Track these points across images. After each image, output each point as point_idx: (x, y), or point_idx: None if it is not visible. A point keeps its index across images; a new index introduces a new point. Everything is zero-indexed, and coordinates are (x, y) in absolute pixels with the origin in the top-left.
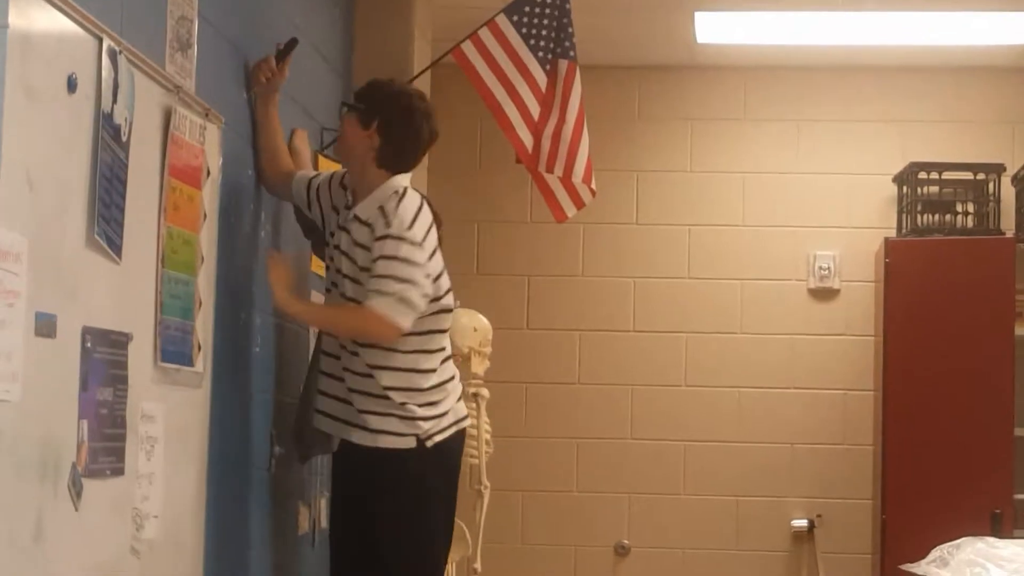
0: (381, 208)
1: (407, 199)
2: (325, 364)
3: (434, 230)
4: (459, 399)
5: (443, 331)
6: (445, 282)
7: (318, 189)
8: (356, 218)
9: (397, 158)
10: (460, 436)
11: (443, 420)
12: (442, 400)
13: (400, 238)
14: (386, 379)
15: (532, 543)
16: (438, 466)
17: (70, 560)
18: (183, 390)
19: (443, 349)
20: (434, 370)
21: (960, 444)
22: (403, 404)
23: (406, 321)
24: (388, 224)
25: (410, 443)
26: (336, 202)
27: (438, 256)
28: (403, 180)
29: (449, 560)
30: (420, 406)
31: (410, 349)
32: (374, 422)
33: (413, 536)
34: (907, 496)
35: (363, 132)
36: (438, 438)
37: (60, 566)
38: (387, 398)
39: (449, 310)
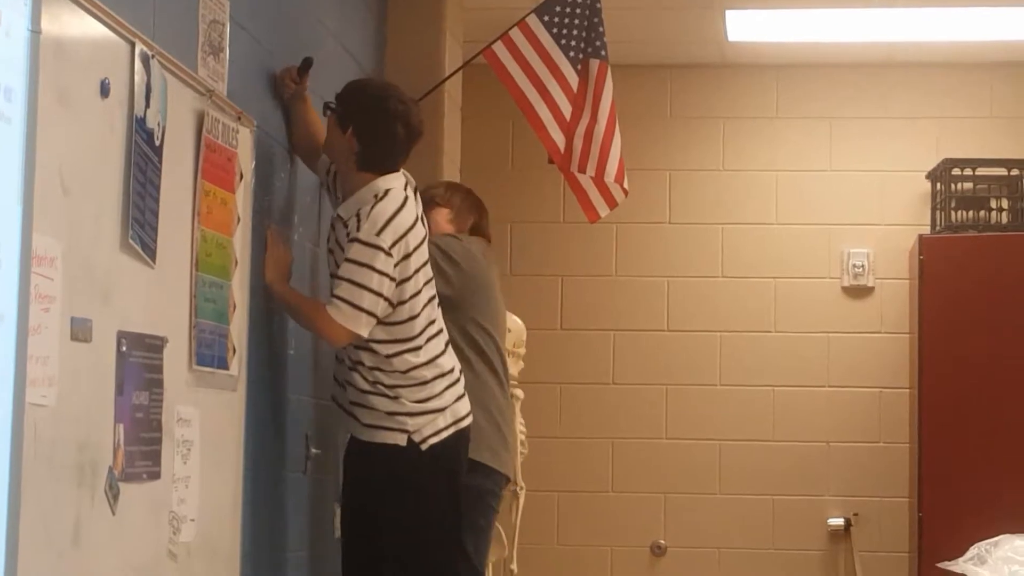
0: (358, 211)
1: (385, 202)
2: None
3: (412, 234)
4: (459, 397)
5: (418, 334)
6: (412, 287)
7: (335, 176)
8: (339, 217)
9: (378, 160)
10: (459, 436)
11: (438, 420)
12: (432, 397)
13: (366, 243)
14: (368, 376)
15: (568, 544)
16: (436, 469)
17: (107, 563)
18: (218, 393)
19: (427, 348)
20: (421, 365)
21: (996, 440)
22: (395, 399)
23: (360, 328)
24: (359, 228)
25: (400, 439)
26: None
27: (414, 258)
28: (389, 181)
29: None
30: (410, 402)
31: (392, 352)
32: (364, 416)
33: (415, 540)
34: (944, 494)
35: (342, 136)
36: (433, 440)
37: (98, 570)
38: (373, 393)
39: (415, 316)
